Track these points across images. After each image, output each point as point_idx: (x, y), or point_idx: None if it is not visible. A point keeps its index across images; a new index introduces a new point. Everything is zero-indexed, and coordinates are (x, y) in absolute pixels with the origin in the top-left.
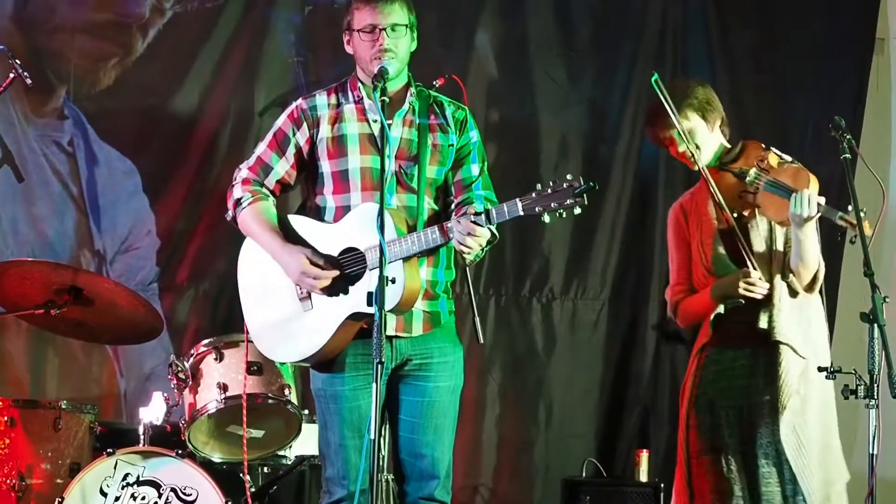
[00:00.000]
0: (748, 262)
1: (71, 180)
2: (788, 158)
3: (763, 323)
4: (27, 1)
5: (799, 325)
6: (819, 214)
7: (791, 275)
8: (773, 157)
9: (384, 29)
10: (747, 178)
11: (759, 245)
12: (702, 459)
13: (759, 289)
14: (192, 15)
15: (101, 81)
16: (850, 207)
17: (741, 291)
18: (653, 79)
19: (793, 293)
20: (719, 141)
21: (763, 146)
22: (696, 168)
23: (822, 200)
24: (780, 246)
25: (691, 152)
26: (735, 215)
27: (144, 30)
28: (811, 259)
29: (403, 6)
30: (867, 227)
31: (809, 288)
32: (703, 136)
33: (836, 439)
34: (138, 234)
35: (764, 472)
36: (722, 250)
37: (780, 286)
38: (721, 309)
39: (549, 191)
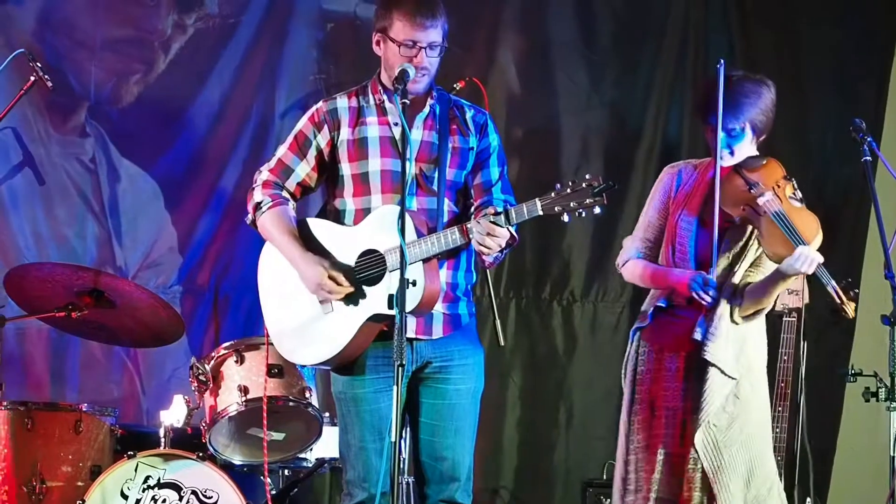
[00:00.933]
0: (711, 267)
1: (93, 197)
2: (800, 195)
3: (697, 335)
4: (49, 18)
5: (733, 344)
6: (813, 273)
7: (737, 302)
8: (789, 188)
9: (424, 48)
10: (760, 199)
11: (724, 258)
12: (641, 455)
13: (708, 298)
14: (213, 30)
15: (122, 98)
16: (844, 282)
17: (691, 292)
18: (719, 65)
19: (731, 317)
20: (751, 152)
21: (785, 173)
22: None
23: (822, 260)
24: (741, 270)
25: (720, 155)
26: (725, 223)
27: (167, 46)
28: (768, 301)
29: (443, 22)
30: (851, 308)
31: (748, 318)
32: (744, 146)
33: (771, 465)
34: (160, 250)
35: (689, 477)
36: (692, 242)
37: (724, 307)
38: (663, 303)
39: (569, 190)
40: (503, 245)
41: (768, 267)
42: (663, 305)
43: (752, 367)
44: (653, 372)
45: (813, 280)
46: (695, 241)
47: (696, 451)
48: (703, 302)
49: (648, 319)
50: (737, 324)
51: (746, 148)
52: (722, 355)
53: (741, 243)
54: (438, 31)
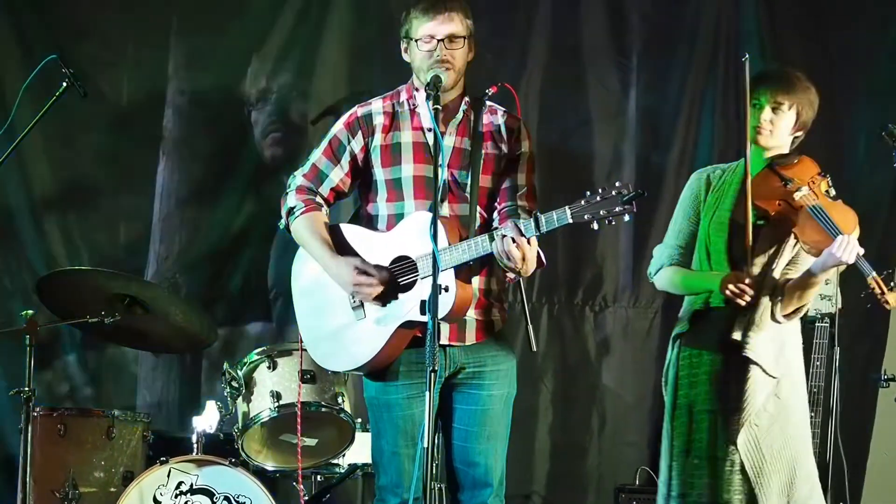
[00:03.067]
0: (746, 266)
1: (125, 202)
2: (833, 192)
3: (737, 335)
4: (80, 27)
5: (773, 342)
6: (853, 263)
7: (779, 299)
8: (824, 184)
9: (442, 40)
10: (796, 194)
11: (761, 256)
12: (680, 460)
13: (745, 297)
14: (246, 38)
15: (154, 104)
16: (885, 273)
17: (727, 292)
18: (744, 59)
19: (773, 315)
20: (786, 142)
21: (819, 170)
22: (762, 146)
23: (862, 252)
24: (779, 266)
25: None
26: (760, 219)
27: (201, 50)
28: (809, 296)
29: (462, 16)
30: (893, 298)
31: (789, 316)
32: (783, 128)
33: (811, 466)
34: (192, 255)
35: (727, 479)
36: (723, 243)
37: (765, 305)
38: (700, 306)
39: (598, 198)
40: (525, 255)
41: (806, 264)
42: (701, 308)
43: (791, 368)
44: (691, 376)
45: (845, 285)
46: (728, 241)
47: (738, 453)
48: (741, 302)
49: (687, 324)
50: (778, 322)
51: (784, 133)
52: (763, 353)
53: (777, 240)
54: (457, 24)
